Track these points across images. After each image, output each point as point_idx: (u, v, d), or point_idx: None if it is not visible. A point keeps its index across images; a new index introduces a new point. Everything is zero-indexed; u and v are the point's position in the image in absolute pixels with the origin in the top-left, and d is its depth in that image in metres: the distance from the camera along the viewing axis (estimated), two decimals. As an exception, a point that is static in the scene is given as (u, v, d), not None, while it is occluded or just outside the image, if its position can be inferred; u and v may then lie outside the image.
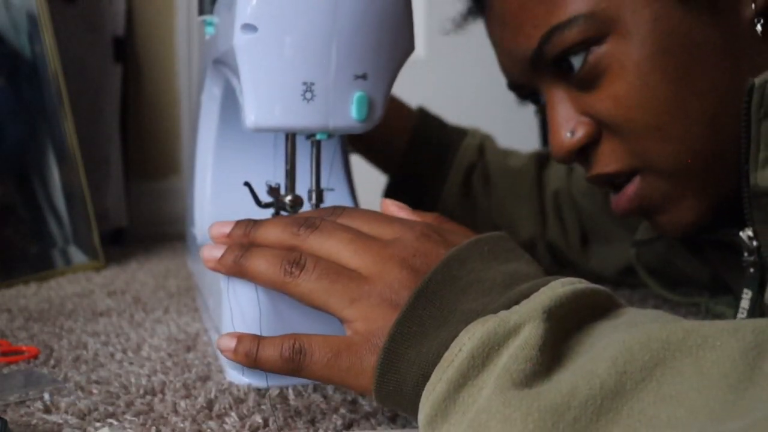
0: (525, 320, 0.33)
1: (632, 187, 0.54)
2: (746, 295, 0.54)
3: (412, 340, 0.36)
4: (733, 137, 0.50)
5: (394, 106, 0.85)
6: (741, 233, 0.53)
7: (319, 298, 0.40)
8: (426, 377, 0.35)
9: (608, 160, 0.54)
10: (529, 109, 1.39)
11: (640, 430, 0.28)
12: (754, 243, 0.53)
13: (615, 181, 0.55)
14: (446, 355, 0.34)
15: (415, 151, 0.85)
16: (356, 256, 0.41)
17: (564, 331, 0.34)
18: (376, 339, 0.38)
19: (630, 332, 0.32)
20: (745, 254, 0.54)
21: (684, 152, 0.52)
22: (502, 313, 0.34)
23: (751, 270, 0.54)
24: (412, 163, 0.85)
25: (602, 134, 0.54)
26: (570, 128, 0.55)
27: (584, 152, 0.55)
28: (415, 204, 0.94)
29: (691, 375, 0.29)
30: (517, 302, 0.35)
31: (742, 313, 0.54)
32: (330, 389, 0.48)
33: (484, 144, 0.86)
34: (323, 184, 0.53)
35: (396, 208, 0.48)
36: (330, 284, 0.40)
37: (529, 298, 0.35)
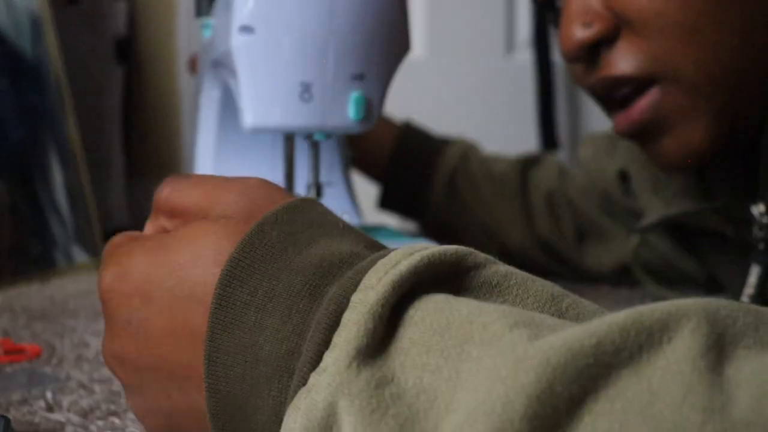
0: (335, 395, 0.23)
1: (647, 99, 0.50)
2: (754, 270, 0.53)
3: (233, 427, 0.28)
4: (765, 63, 0.48)
5: (379, 120, 0.87)
6: (753, 207, 0.52)
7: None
8: None
9: (624, 61, 0.49)
10: (529, 110, 1.39)
11: None
12: (765, 219, 0.51)
13: (622, 91, 0.51)
14: None
15: (400, 161, 0.86)
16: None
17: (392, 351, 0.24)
18: None
19: (532, 347, 0.21)
20: (755, 229, 0.52)
21: (714, 62, 0.48)
22: (310, 389, 0.24)
23: (761, 246, 0.52)
24: (399, 173, 0.86)
25: (621, 33, 0.49)
26: (586, 20, 0.49)
27: (596, 53, 0.50)
28: (405, 212, 0.94)
29: (639, 395, 0.20)
30: (327, 341, 0.25)
31: (749, 289, 0.53)
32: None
33: (467, 151, 0.87)
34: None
35: None
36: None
37: (332, 344, 0.24)
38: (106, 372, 0.51)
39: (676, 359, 0.21)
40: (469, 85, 1.34)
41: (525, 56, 1.37)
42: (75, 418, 0.43)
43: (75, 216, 0.92)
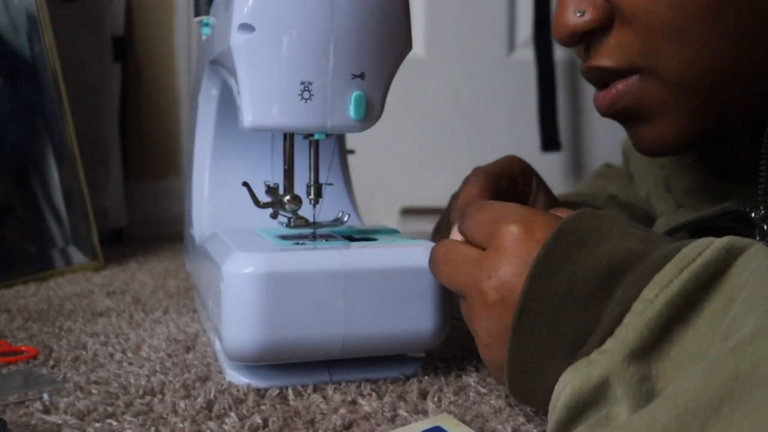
0: (607, 376, 0.33)
1: (625, 84, 0.50)
2: None
3: (528, 373, 0.38)
4: (754, 71, 0.47)
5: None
6: (753, 214, 0.51)
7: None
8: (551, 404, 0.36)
9: (613, 52, 0.49)
10: (529, 111, 1.38)
11: None
12: (766, 227, 0.51)
13: (610, 80, 0.51)
14: (552, 399, 0.35)
15: None
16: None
17: (656, 352, 0.33)
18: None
19: (700, 363, 0.30)
20: (757, 237, 0.51)
21: (698, 63, 0.47)
22: (591, 362, 0.34)
23: None
24: None
25: (614, 23, 0.49)
26: (580, 7, 0.50)
27: (588, 39, 0.51)
28: None
29: (765, 408, 0.26)
30: (611, 331, 0.34)
31: None
32: (329, 390, 0.48)
33: None
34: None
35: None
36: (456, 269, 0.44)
37: (614, 335, 0.34)
38: (103, 373, 0.50)
39: None
40: (468, 85, 1.33)
41: (527, 56, 1.36)
42: (72, 420, 0.42)
43: (72, 216, 0.91)
